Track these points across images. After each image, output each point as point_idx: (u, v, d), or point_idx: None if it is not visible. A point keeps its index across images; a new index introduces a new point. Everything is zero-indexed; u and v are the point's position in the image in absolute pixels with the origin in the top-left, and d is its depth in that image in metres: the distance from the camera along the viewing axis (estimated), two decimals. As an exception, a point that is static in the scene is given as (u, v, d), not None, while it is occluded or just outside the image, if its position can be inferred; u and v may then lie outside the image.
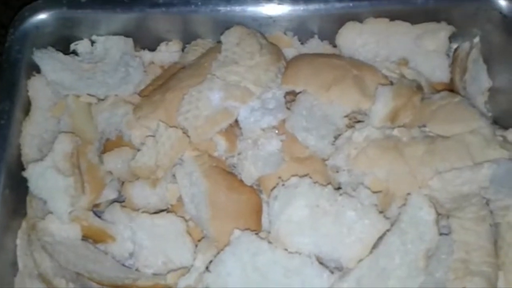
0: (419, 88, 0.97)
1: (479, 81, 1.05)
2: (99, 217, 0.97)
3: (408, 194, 0.86)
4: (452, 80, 1.04)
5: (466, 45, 1.06)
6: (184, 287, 0.83)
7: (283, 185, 0.87)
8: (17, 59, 1.00)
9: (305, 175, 0.88)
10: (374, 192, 0.88)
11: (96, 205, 1.00)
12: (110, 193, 0.99)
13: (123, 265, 0.96)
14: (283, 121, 0.95)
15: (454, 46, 1.09)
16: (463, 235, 0.87)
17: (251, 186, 0.94)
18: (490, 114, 1.06)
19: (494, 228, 0.91)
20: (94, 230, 0.94)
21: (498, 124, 1.00)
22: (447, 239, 0.88)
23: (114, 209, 0.97)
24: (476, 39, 1.07)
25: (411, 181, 0.88)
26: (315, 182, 0.87)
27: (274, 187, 0.88)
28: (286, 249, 0.84)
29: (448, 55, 1.07)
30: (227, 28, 1.01)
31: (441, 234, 0.88)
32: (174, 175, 0.94)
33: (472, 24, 1.06)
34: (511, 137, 0.91)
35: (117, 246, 0.96)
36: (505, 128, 0.96)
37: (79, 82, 1.01)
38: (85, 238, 0.95)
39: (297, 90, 0.98)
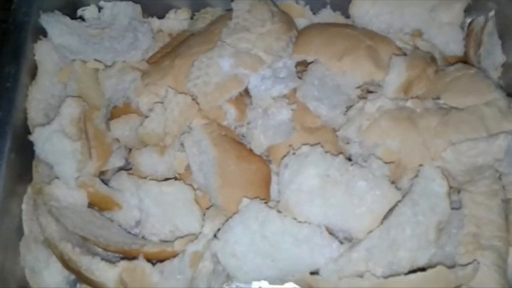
0: (433, 59, 0.95)
1: (493, 55, 1.03)
2: (106, 184, 0.96)
3: (421, 165, 0.85)
4: (466, 53, 1.03)
5: (481, 18, 1.04)
6: (192, 252, 0.81)
7: (293, 154, 0.86)
8: (24, 22, 0.98)
9: (316, 145, 0.87)
10: (386, 163, 0.86)
11: (103, 173, 0.99)
12: (117, 161, 0.98)
13: (129, 233, 0.95)
14: (294, 90, 0.93)
15: (469, 20, 1.07)
16: (474, 210, 0.87)
17: (260, 156, 0.93)
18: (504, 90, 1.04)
19: (506, 203, 0.90)
20: (101, 197, 0.93)
21: (512, 98, 0.99)
22: (458, 213, 0.88)
23: (121, 177, 0.96)
24: (492, 13, 1.05)
25: (424, 153, 0.86)
26: (326, 152, 0.86)
27: (285, 156, 0.87)
28: (295, 219, 0.83)
29: (462, 28, 1.05)
30: (238, -5, 0.98)
31: (452, 208, 0.87)
32: (182, 144, 0.93)
33: (487, -3, 1.04)
34: (526, 110, 0.90)
35: (123, 214, 0.95)
36: (520, 101, 0.94)
37: (86, 47, 0.99)
38: (91, 205, 0.94)
39: (309, 60, 0.96)
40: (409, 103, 0.90)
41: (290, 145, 0.89)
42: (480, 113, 0.86)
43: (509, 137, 0.82)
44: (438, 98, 0.91)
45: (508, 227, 0.89)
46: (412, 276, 0.78)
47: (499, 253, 0.84)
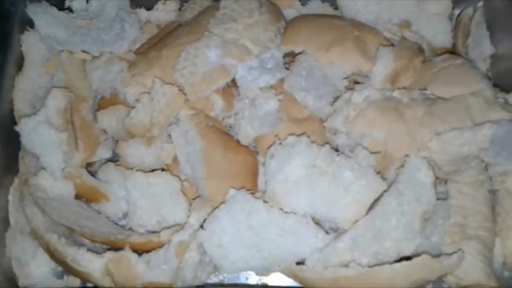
0: (421, 50, 0.95)
1: (481, 46, 1.03)
2: (94, 176, 0.96)
3: (407, 155, 0.85)
4: (454, 44, 1.03)
5: (469, 10, 1.04)
6: (178, 242, 0.81)
7: (279, 144, 0.86)
8: (10, 12, 0.98)
9: (302, 135, 0.87)
10: (372, 153, 0.87)
11: (91, 165, 0.99)
12: (104, 152, 0.98)
13: (117, 224, 0.95)
14: (281, 81, 0.93)
15: (457, 11, 1.07)
16: (461, 200, 0.87)
17: (247, 147, 0.93)
18: (492, 81, 1.04)
19: (492, 194, 0.91)
20: (88, 188, 0.93)
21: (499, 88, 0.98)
22: (444, 204, 0.88)
23: (108, 168, 0.96)
24: (480, 4, 1.05)
25: (410, 143, 0.87)
26: (312, 142, 0.86)
27: (271, 146, 0.87)
28: (281, 209, 0.83)
29: (451, 19, 1.05)
30: (226, -15, 0.98)
31: (438, 199, 0.87)
32: (169, 135, 0.93)
33: (475, -12, 1.04)
34: (512, 100, 0.90)
35: (111, 205, 0.95)
36: (507, 92, 0.95)
37: (73, 38, 0.99)
38: (78, 197, 0.94)
39: (297, 51, 0.96)
40: (395, 94, 0.90)
41: (277, 136, 0.89)
42: (466, 103, 0.86)
43: (494, 126, 0.82)
44: (425, 88, 0.91)
45: (494, 217, 0.90)
46: (397, 265, 0.78)
47: (484, 243, 0.85)
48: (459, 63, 0.92)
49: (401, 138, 0.87)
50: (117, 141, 0.99)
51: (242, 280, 0.95)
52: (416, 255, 0.80)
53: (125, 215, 0.95)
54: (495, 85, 1.01)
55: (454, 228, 0.86)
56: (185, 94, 0.90)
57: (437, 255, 0.82)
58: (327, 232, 0.84)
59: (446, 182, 0.89)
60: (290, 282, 0.89)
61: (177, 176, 0.92)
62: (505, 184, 0.91)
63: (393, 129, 0.87)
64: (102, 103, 0.99)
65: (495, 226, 0.88)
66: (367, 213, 0.83)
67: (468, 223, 0.86)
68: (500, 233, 0.90)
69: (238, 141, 0.93)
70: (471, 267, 0.83)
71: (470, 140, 0.83)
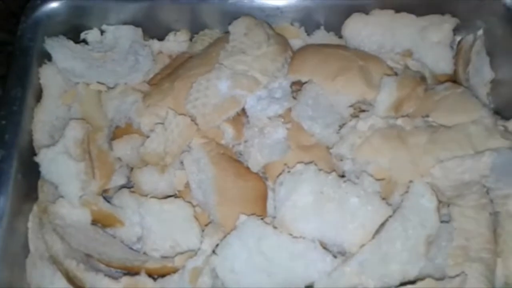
0: (423, 79, 0.99)
1: (482, 72, 1.07)
2: (109, 202, 0.99)
3: (411, 181, 0.88)
4: (455, 71, 1.06)
5: (470, 37, 1.08)
6: (192, 268, 0.85)
7: (288, 172, 0.90)
8: (29, 47, 1.02)
9: (310, 163, 0.90)
10: (377, 180, 0.90)
11: (106, 191, 1.02)
12: (119, 179, 1.02)
13: (131, 249, 0.98)
14: (289, 110, 0.97)
15: (458, 38, 1.11)
16: (464, 223, 0.89)
17: (257, 174, 0.96)
18: (492, 106, 1.07)
19: (493, 216, 0.93)
20: (104, 215, 0.97)
21: (500, 115, 1.02)
22: (448, 226, 0.90)
23: (123, 194, 0.99)
24: (480, 32, 1.08)
25: (414, 169, 0.90)
26: (319, 170, 0.89)
27: (280, 174, 0.90)
28: (290, 234, 0.86)
29: (452, 47, 1.08)
30: (235, 18, 1.03)
31: (441, 221, 0.90)
32: (182, 162, 0.96)
33: (476, 17, 1.08)
34: (511, 127, 0.93)
35: (125, 230, 0.98)
36: (507, 119, 0.98)
37: (89, 70, 1.03)
38: (94, 222, 0.97)
39: (303, 80, 1.00)
40: (399, 122, 0.93)
41: (285, 163, 0.92)
42: (467, 131, 0.90)
43: (494, 154, 0.85)
44: (428, 116, 0.94)
45: (496, 239, 0.93)
46: (403, 289, 0.81)
47: (487, 265, 0.87)
48: (460, 91, 0.95)
49: (404, 164, 0.90)
50: (132, 168, 1.02)
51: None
52: (420, 277, 0.83)
53: (139, 239, 0.98)
54: (495, 110, 1.05)
55: (457, 251, 0.88)
56: (197, 124, 0.94)
57: (440, 277, 0.85)
58: (335, 256, 0.86)
59: (448, 205, 0.92)
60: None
61: (190, 202, 0.95)
62: (506, 206, 0.93)
63: (397, 156, 0.90)
64: (117, 132, 1.03)
65: (497, 248, 0.91)
66: (373, 237, 0.86)
67: (470, 245, 0.88)
68: (502, 254, 0.92)
69: (248, 168, 0.96)
70: (474, 288, 0.85)
71: (471, 168, 0.86)
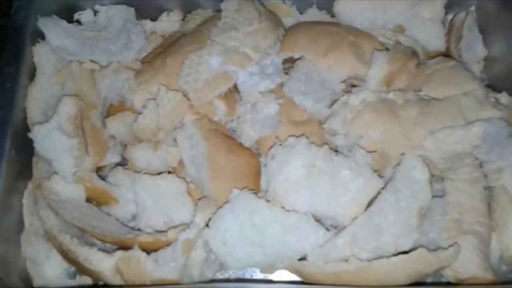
0: (414, 54, 0.99)
1: (474, 49, 1.07)
2: (104, 180, 1.00)
3: (402, 154, 0.89)
4: (448, 48, 1.06)
5: (462, 14, 1.08)
6: (184, 240, 0.85)
7: (280, 145, 0.90)
8: (23, 26, 1.03)
9: (302, 136, 0.91)
10: (369, 153, 0.90)
11: (101, 169, 1.03)
12: (113, 157, 1.02)
13: (126, 226, 0.99)
14: (281, 86, 0.97)
15: (451, 16, 1.11)
16: (457, 196, 0.90)
17: (249, 149, 0.97)
18: (485, 83, 1.07)
19: (488, 191, 0.94)
20: (98, 192, 0.97)
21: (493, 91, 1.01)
22: (441, 201, 0.91)
23: (117, 172, 1.00)
24: (472, 8, 1.09)
25: (405, 142, 0.90)
26: (311, 143, 0.89)
27: (272, 147, 0.91)
28: (283, 207, 0.86)
29: (444, 24, 1.09)
30: (228, -3, 1.03)
31: (435, 196, 0.91)
32: (175, 139, 0.97)
33: (468, -7, 1.08)
34: (503, 99, 0.94)
35: (120, 208, 0.99)
36: (500, 92, 0.98)
37: (82, 49, 1.03)
38: (89, 200, 0.98)
39: (295, 57, 1.00)
40: (391, 95, 0.93)
41: (277, 137, 0.92)
42: (458, 103, 0.90)
43: (485, 124, 0.85)
44: (419, 90, 0.94)
45: (490, 213, 0.93)
46: (394, 258, 0.81)
47: (480, 238, 0.88)
48: (451, 65, 0.96)
49: (396, 137, 0.90)
50: (126, 146, 1.03)
51: (247, 277, 0.98)
52: (414, 249, 0.84)
53: (134, 217, 0.99)
54: (489, 86, 1.05)
55: (451, 224, 0.89)
56: (189, 100, 0.94)
57: (434, 250, 0.86)
58: (327, 229, 0.87)
59: (443, 180, 0.93)
60: (293, 278, 0.92)
61: (183, 178, 0.96)
62: (500, 181, 0.94)
63: (389, 129, 0.90)
64: (111, 110, 1.04)
65: (491, 222, 0.91)
66: (365, 210, 0.87)
67: (464, 219, 0.89)
68: (496, 228, 0.93)
69: (240, 144, 0.96)
70: (468, 261, 0.86)
71: (463, 138, 0.87)
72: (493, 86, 1.06)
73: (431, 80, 0.94)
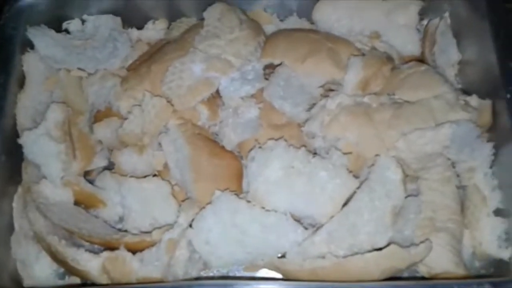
0: (389, 59, 1.03)
1: (448, 53, 1.10)
2: (92, 184, 1.03)
3: (377, 155, 0.93)
4: (422, 53, 1.10)
5: (436, 20, 1.11)
6: (168, 240, 0.89)
7: (260, 147, 0.94)
8: (12, 36, 1.06)
9: (281, 138, 0.95)
10: (345, 154, 0.94)
11: (89, 173, 1.06)
12: (100, 161, 1.06)
13: (113, 228, 1.02)
14: (262, 91, 1.01)
15: (425, 22, 1.15)
16: (430, 195, 0.94)
17: (232, 152, 1.00)
18: (460, 86, 1.11)
19: (461, 190, 0.98)
20: (86, 195, 1.01)
21: (468, 94, 1.04)
22: (415, 199, 0.94)
23: (104, 176, 1.03)
24: (445, 14, 1.13)
25: (380, 144, 0.94)
26: (289, 145, 0.93)
27: (252, 149, 0.94)
28: (263, 207, 0.90)
29: (419, 29, 1.13)
30: (210, 5, 1.07)
31: (410, 195, 0.95)
32: (159, 143, 1.00)
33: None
34: (473, 102, 0.97)
35: (107, 210, 1.02)
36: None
37: (70, 57, 1.07)
38: (77, 203, 1.01)
39: (275, 63, 1.04)
40: (366, 99, 0.97)
41: (257, 140, 0.96)
42: (429, 105, 0.94)
43: (454, 125, 0.89)
44: (394, 94, 0.98)
45: (464, 211, 0.97)
46: (368, 254, 0.85)
47: (453, 235, 0.91)
48: (424, 69, 1.00)
49: (371, 139, 0.94)
50: (112, 150, 1.06)
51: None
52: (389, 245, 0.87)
53: (121, 219, 1.02)
54: (463, 89, 1.09)
55: (425, 222, 0.92)
56: (173, 105, 0.98)
57: (408, 247, 0.89)
58: (305, 228, 0.90)
59: (417, 179, 0.97)
60: (275, 276, 0.95)
61: (168, 180, 0.99)
62: (473, 180, 0.98)
63: (364, 131, 0.94)
64: (98, 116, 1.07)
65: (463, 219, 0.95)
66: (342, 209, 0.90)
67: (437, 217, 0.93)
68: (469, 226, 0.97)
69: (223, 147, 1.00)
70: (440, 257, 0.89)
71: (433, 139, 0.90)
72: (467, 89, 1.09)
73: (404, 84, 0.98)
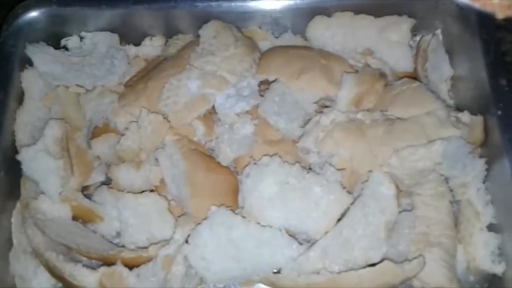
0: (382, 75, 1.04)
1: (440, 70, 1.12)
2: (89, 199, 1.04)
3: (370, 171, 0.94)
4: (415, 69, 1.12)
5: (428, 36, 1.13)
6: (164, 255, 0.90)
7: (255, 163, 0.95)
8: (11, 53, 1.08)
9: (275, 155, 0.96)
10: (339, 170, 0.95)
11: (87, 188, 1.07)
12: (98, 176, 1.07)
13: (111, 242, 1.03)
14: (257, 107, 1.02)
15: (419, 38, 1.17)
16: (424, 211, 0.95)
17: (228, 168, 1.01)
18: (452, 101, 1.13)
19: (455, 205, 0.99)
20: (83, 210, 1.02)
21: (461, 110, 1.05)
22: (410, 214, 0.95)
23: (102, 191, 1.04)
24: (438, 31, 1.14)
25: (373, 160, 0.95)
26: (284, 161, 0.94)
27: (247, 165, 0.96)
28: (258, 223, 0.91)
29: (411, 46, 1.14)
30: (205, 22, 1.09)
31: (404, 210, 0.96)
32: (156, 159, 1.01)
33: (433, 17, 1.14)
34: (464, 118, 0.99)
35: (105, 225, 1.03)
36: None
37: (68, 74, 1.08)
38: (75, 218, 1.02)
39: (270, 79, 1.05)
40: (359, 115, 0.98)
41: (251, 157, 0.98)
42: (421, 122, 0.95)
43: (445, 143, 0.90)
44: (386, 110, 1.00)
45: (457, 226, 0.98)
46: (362, 270, 0.86)
47: (446, 250, 0.92)
48: (416, 86, 1.01)
49: (364, 155, 0.95)
50: (110, 166, 1.07)
51: (228, 291, 1.02)
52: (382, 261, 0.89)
53: (118, 234, 1.03)
54: (456, 106, 1.11)
55: (419, 237, 0.94)
56: (169, 121, 1.00)
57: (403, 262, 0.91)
58: (300, 243, 0.91)
59: (411, 194, 0.98)
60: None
61: (164, 196, 1.00)
62: (466, 195, 0.99)
63: (357, 147, 0.96)
64: (95, 132, 1.09)
65: (457, 234, 0.97)
66: (336, 224, 0.91)
67: (431, 232, 0.94)
68: (463, 240, 0.98)
69: (219, 163, 1.01)
70: (434, 272, 0.90)
71: (424, 156, 0.92)
72: (459, 105, 1.11)
73: (397, 100, 1.00)
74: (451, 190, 0.98)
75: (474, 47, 1.06)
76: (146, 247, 0.97)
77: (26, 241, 0.99)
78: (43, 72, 1.08)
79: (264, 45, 1.14)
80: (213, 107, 1.02)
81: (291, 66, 1.04)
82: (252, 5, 1.12)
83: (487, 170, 0.98)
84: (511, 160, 0.94)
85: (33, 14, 1.11)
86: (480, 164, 0.97)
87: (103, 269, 0.92)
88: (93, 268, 0.94)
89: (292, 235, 0.92)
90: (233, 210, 0.94)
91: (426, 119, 0.95)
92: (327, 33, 1.12)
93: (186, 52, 1.06)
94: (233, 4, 1.11)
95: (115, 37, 1.15)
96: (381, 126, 0.96)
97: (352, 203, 0.92)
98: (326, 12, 1.12)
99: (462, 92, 1.12)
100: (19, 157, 1.00)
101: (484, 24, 1.06)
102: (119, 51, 1.13)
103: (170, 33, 1.18)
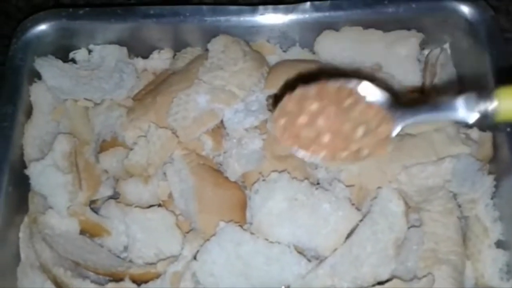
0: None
1: (448, 84, 1.12)
2: (96, 213, 1.04)
3: (379, 187, 0.94)
4: (423, 84, 1.12)
5: (436, 51, 1.13)
6: (172, 272, 0.90)
7: (263, 180, 0.95)
8: (20, 67, 1.08)
9: (284, 171, 0.96)
10: (348, 186, 0.95)
11: (94, 202, 1.07)
12: (106, 190, 1.07)
13: (118, 257, 1.03)
14: (265, 122, 1.02)
15: (427, 52, 1.17)
16: (433, 227, 0.94)
17: (236, 183, 1.01)
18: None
19: (463, 221, 0.99)
20: (91, 225, 1.02)
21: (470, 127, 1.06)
22: (418, 231, 0.95)
23: (110, 205, 1.04)
24: (446, 45, 1.14)
25: (382, 176, 0.95)
26: (293, 177, 0.94)
27: (255, 182, 0.96)
28: (267, 239, 0.91)
29: (419, 60, 1.14)
30: (214, 36, 1.09)
31: (412, 226, 0.96)
32: (164, 173, 1.01)
33: (442, 31, 1.14)
34: (474, 135, 0.99)
35: (112, 239, 1.02)
36: (472, 127, 1.03)
37: (77, 88, 1.08)
38: (83, 232, 1.02)
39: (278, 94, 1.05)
40: (368, 131, 0.98)
41: (261, 173, 0.97)
42: (430, 139, 0.95)
43: (454, 160, 0.90)
44: (395, 126, 1.00)
45: (466, 242, 0.98)
46: (371, 289, 0.86)
47: (454, 266, 0.92)
48: (425, 102, 1.01)
49: (373, 171, 0.95)
50: (118, 180, 1.07)
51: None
52: (390, 280, 0.88)
53: (125, 248, 1.02)
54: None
55: (427, 253, 0.93)
56: (178, 136, 0.99)
57: (412, 279, 0.90)
58: (309, 260, 0.91)
59: (419, 210, 0.98)
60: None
61: (172, 211, 1.00)
62: (474, 211, 0.99)
63: (366, 163, 0.95)
64: (104, 146, 1.08)
65: (465, 250, 0.96)
66: (345, 241, 0.91)
67: (439, 248, 0.93)
68: (471, 257, 0.98)
69: (227, 178, 1.01)
70: (442, 289, 0.90)
71: (434, 173, 0.92)
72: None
73: (406, 116, 0.99)
74: (459, 206, 0.98)
75: (483, 62, 1.05)
76: (154, 263, 0.96)
77: (34, 256, 0.99)
78: (51, 86, 1.08)
79: (272, 58, 1.14)
80: (222, 121, 1.02)
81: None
82: (260, 19, 1.12)
83: (496, 186, 0.98)
84: (520, 177, 0.94)
85: (42, 27, 1.11)
86: (489, 181, 0.97)
87: (111, 285, 0.91)
88: (101, 284, 0.93)
89: (301, 252, 0.92)
90: (241, 226, 0.94)
91: (435, 135, 0.95)
92: (335, 47, 1.11)
93: (195, 66, 1.06)
94: (241, 18, 1.11)
95: (124, 50, 1.15)
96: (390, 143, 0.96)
97: (361, 220, 0.92)
98: (335, 26, 1.12)
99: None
100: (27, 171, 1.00)
101: (493, 39, 1.06)
102: (128, 65, 1.13)
103: (178, 46, 1.18)
